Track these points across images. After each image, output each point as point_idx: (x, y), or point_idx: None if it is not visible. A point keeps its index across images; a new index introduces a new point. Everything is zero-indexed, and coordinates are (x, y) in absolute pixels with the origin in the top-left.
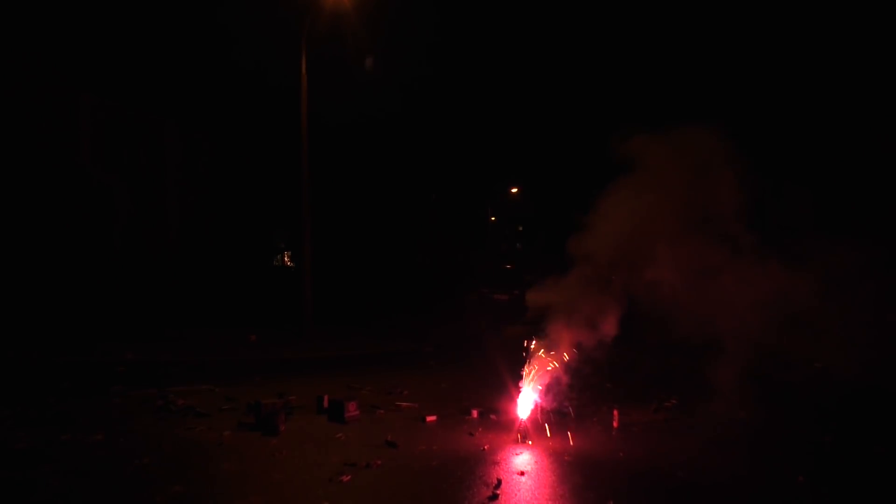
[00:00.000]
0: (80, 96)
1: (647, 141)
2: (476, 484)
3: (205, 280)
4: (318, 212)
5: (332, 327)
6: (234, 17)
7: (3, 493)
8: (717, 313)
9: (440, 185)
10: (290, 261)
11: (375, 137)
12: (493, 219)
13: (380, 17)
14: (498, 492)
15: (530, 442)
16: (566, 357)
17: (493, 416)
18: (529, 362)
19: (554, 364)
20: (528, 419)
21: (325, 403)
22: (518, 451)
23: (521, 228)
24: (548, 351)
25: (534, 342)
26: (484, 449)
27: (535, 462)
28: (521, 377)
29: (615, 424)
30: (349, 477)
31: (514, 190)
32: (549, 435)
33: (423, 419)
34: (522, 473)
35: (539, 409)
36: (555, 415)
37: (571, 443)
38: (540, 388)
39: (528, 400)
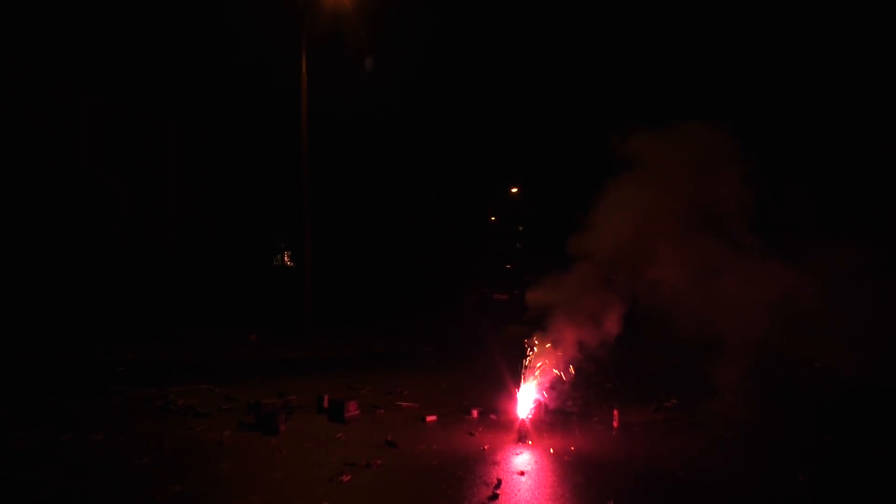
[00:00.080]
0: (81, 96)
1: (647, 139)
2: (476, 484)
3: (205, 280)
4: (319, 211)
5: (332, 327)
6: (234, 16)
7: (4, 492)
8: (717, 313)
9: (440, 185)
10: (290, 260)
11: (375, 137)
12: (493, 219)
13: (380, 17)
14: (498, 492)
15: (530, 442)
16: (567, 357)
17: (493, 416)
18: (529, 362)
19: (554, 364)
20: (528, 419)
21: (326, 403)
22: (518, 451)
23: (521, 228)
24: (548, 351)
25: (534, 342)
26: (484, 449)
27: (535, 462)
28: (521, 377)
29: (615, 424)
30: (349, 477)
31: (514, 190)
32: (549, 435)
33: (423, 419)
34: (522, 473)
35: (539, 408)
36: (555, 414)
37: (571, 443)
38: (540, 387)
39: (528, 400)
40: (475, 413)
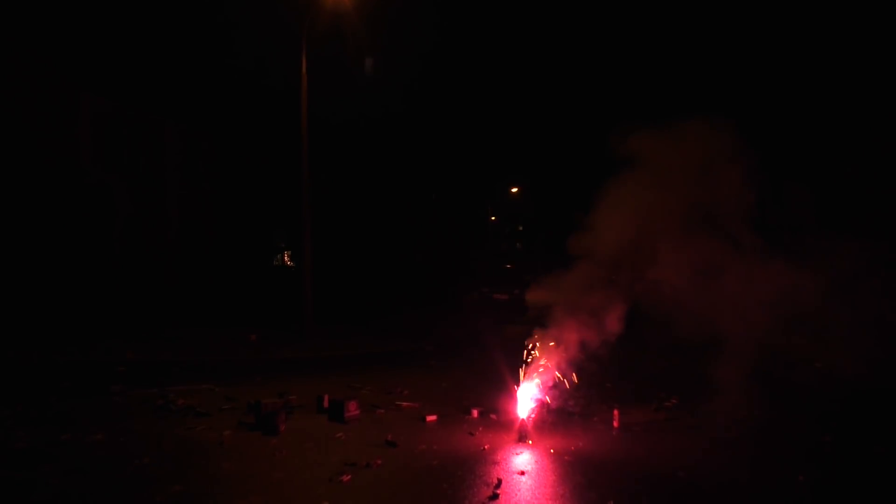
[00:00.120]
0: (81, 96)
1: (647, 138)
2: (476, 483)
3: (205, 280)
4: (319, 211)
5: (332, 327)
6: (234, 16)
7: (4, 492)
8: (717, 313)
9: (440, 185)
10: (290, 260)
11: (375, 137)
12: (493, 218)
13: (380, 17)
14: (498, 491)
15: (531, 441)
16: (567, 356)
17: (493, 416)
18: (529, 362)
19: (554, 364)
20: (528, 419)
21: (326, 403)
22: (518, 451)
23: (521, 228)
24: (548, 350)
25: (534, 342)
26: (484, 448)
27: (536, 462)
28: (521, 377)
29: (616, 424)
30: (349, 476)
31: (515, 189)
32: (549, 434)
33: (424, 419)
34: (523, 473)
35: (540, 408)
36: (555, 414)
37: (572, 442)
38: (540, 387)
39: (528, 399)
40: (475, 413)
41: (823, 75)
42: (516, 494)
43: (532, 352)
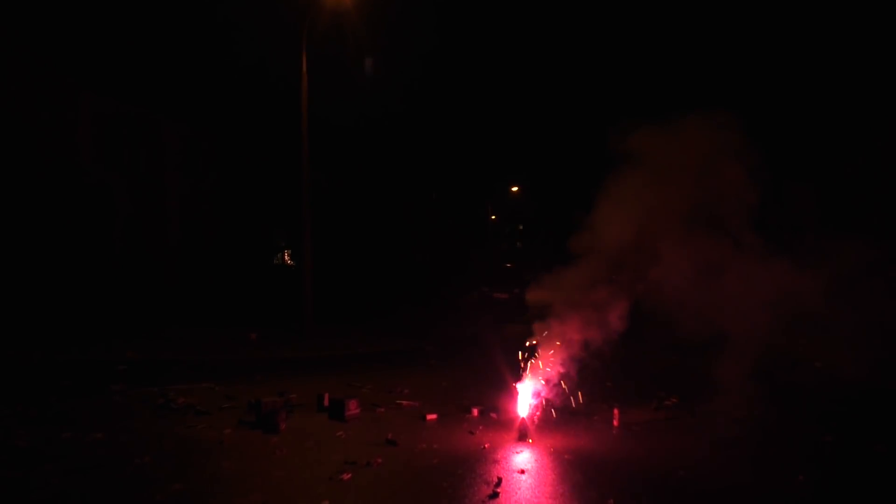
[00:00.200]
0: (81, 96)
1: (647, 134)
2: (476, 482)
3: (205, 279)
4: (319, 211)
5: (332, 326)
6: (234, 16)
7: (4, 491)
8: (718, 312)
9: (440, 184)
10: (291, 259)
11: (375, 137)
12: (493, 217)
13: (380, 17)
14: (498, 490)
15: (531, 440)
16: (567, 355)
17: (493, 415)
18: (530, 361)
19: (555, 363)
20: (528, 417)
21: (326, 402)
22: (518, 450)
23: (521, 227)
24: (548, 349)
25: (534, 341)
26: (484, 447)
27: (536, 460)
28: (521, 375)
29: (616, 423)
30: (349, 475)
31: (515, 188)
32: (549, 433)
33: (424, 417)
34: (523, 472)
35: (540, 407)
36: (555, 413)
37: (572, 441)
38: (541, 386)
39: (528, 398)
40: (475, 412)
41: (825, 72)
42: (516, 493)
43: (532, 351)
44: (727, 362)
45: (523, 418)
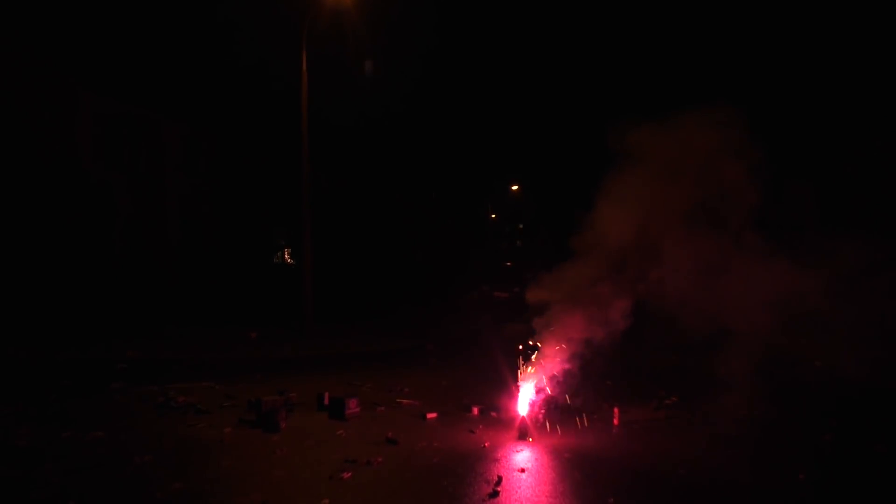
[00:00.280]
0: (81, 95)
1: (647, 132)
2: (476, 481)
3: (205, 278)
4: (319, 210)
5: (332, 325)
6: (235, 15)
7: (5, 490)
8: (718, 311)
9: (440, 184)
10: (291, 258)
11: (375, 136)
12: (493, 216)
13: (380, 17)
14: (498, 489)
15: (531, 439)
16: (567, 354)
17: (493, 414)
18: (530, 360)
19: (555, 362)
20: (528, 416)
21: (326, 401)
22: (518, 448)
23: (521, 226)
24: (548, 348)
25: (535, 339)
26: (484, 446)
27: (536, 459)
28: (521, 374)
29: (616, 422)
30: (350, 474)
31: (515, 187)
32: (549, 432)
33: (424, 416)
34: (523, 470)
35: (540, 406)
36: (556, 412)
37: (572, 440)
38: (541, 385)
39: (528, 397)
40: (476, 410)
41: (826, 70)
42: (517, 492)
43: (532, 350)
44: (727, 361)
45: (523, 417)
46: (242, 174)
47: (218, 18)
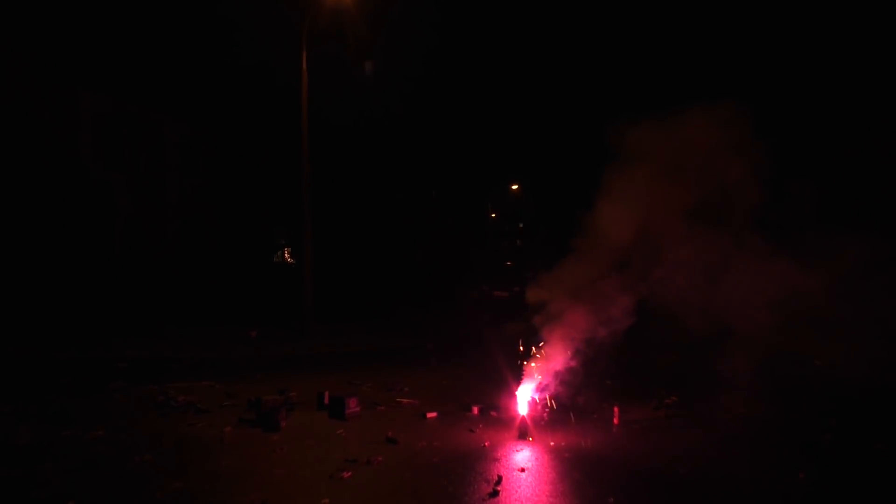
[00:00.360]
0: (80, 94)
1: (648, 131)
2: (477, 480)
3: (205, 277)
4: (319, 209)
5: (332, 324)
6: (235, 14)
7: (5, 489)
8: (718, 310)
9: (440, 183)
10: (291, 257)
11: (375, 135)
12: (493, 215)
13: (380, 16)
14: (498, 488)
15: (531, 438)
16: (567, 354)
17: (493, 413)
18: (530, 359)
19: (555, 361)
20: (528, 416)
21: (326, 400)
22: (519, 448)
23: (521, 225)
24: (548, 348)
25: (535, 339)
26: (485, 445)
27: (536, 459)
28: (521, 374)
29: (616, 421)
30: (350, 473)
31: (515, 186)
32: (549, 431)
33: (424, 416)
34: (523, 470)
35: (540, 405)
36: (556, 411)
37: (572, 439)
38: (541, 384)
39: (528, 396)
40: (476, 410)
41: (827, 68)
42: (517, 491)
43: (532, 349)
44: (728, 360)
45: (523, 416)
46: (242, 174)
47: (218, 18)
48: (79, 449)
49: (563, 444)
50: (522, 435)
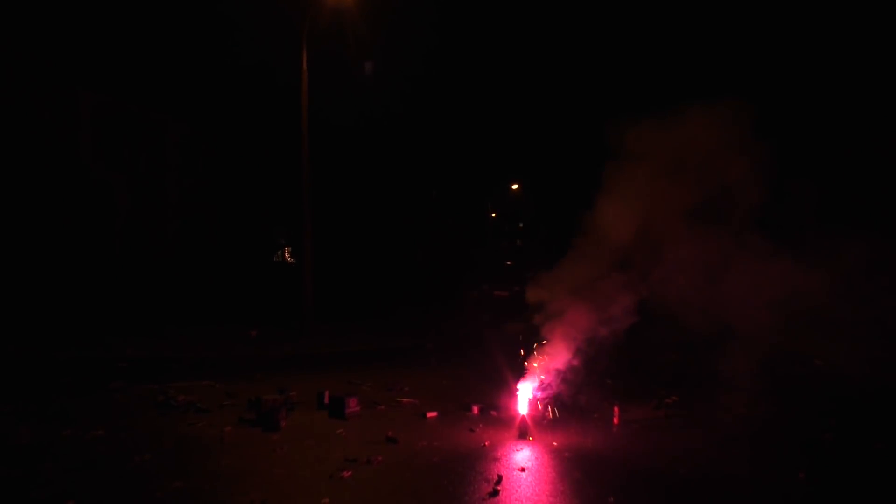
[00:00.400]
0: (81, 94)
1: (648, 130)
2: (477, 480)
3: (205, 276)
4: (319, 208)
5: (332, 324)
6: (235, 14)
7: (5, 489)
8: (719, 310)
9: (440, 183)
10: (291, 257)
11: (376, 135)
12: (493, 215)
13: (380, 16)
14: (498, 488)
15: (531, 438)
16: (567, 354)
17: (493, 413)
18: (530, 359)
19: (555, 361)
20: (528, 415)
21: (326, 399)
22: (519, 448)
23: (521, 225)
24: (548, 347)
25: (535, 339)
26: (485, 445)
27: (536, 458)
28: (521, 374)
29: (616, 421)
30: (350, 473)
31: (515, 186)
32: (549, 431)
33: (424, 415)
34: (523, 469)
35: (540, 405)
36: (556, 411)
37: (572, 439)
38: (541, 384)
39: (528, 396)
40: (476, 409)
41: (828, 68)
42: (517, 491)
43: (532, 349)
44: (728, 360)
45: (523, 416)
46: (242, 173)
47: (218, 17)
48: (79, 449)
49: (563, 443)
50: (522, 434)
